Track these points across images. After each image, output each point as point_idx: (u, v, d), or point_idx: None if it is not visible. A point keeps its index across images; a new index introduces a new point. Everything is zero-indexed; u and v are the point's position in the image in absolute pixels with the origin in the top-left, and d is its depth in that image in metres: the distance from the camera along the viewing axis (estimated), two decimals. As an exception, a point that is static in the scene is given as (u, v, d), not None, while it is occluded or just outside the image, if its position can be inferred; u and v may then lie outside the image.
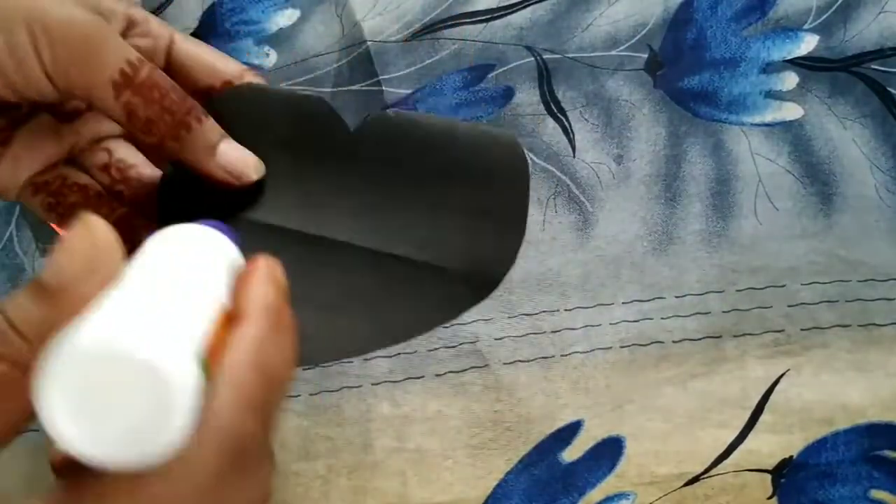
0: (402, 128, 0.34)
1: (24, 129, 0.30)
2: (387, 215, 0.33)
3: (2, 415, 0.19)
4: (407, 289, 0.33)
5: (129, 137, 0.32)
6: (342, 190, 0.33)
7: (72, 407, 0.18)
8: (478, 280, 0.33)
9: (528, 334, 0.42)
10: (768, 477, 0.40)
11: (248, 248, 0.27)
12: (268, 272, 0.23)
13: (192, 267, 0.23)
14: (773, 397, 0.41)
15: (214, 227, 0.25)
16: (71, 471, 0.19)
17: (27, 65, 0.25)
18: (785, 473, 0.40)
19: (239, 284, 0.22)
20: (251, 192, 0.31)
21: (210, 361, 0.20)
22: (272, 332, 0.21)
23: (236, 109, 0.31)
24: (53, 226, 0.32)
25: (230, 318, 0.21)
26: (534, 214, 0.44)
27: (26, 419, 0.19)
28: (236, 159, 0.30)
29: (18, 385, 0.18)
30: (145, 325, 0.19)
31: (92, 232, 0.20)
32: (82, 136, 0.31)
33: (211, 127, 0.29)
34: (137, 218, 0.31)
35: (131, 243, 0.29)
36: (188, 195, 0.31)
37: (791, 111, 0.45)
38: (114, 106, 0.26)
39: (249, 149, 0.31)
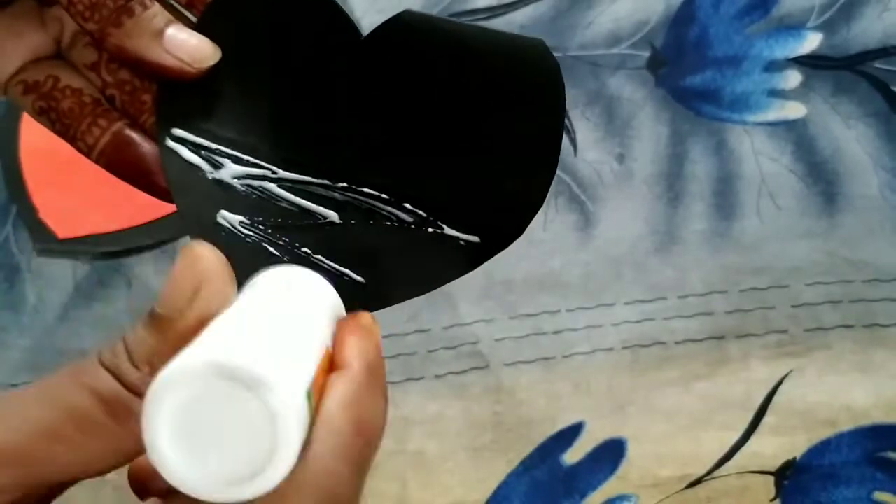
0: (419, 33, 0.29)
1: (7, 14, 0.28)
2: (397, 143, 0.29)
3: (115, 441, 0.18)
4: (412, 238, 0.29)
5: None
6: (346, 109, 0.29)
7: (176, 433, 0.17)
8: (498, 228, 0.29)
9: (529, 335, 0.42)
10: (771, 479, 0.40)
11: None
12: (370, 325, 0.23)
13: (300, 306, 0.22)
14: (776, 398, 0.40)
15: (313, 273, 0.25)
16: (152, 491, 0.19)
17: None
18: (788, 475, 0.40)
19: (342, 333, 0.22)
20: (250, 108, 0.29)
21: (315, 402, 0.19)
22: (371, 388, 0.21)
23: (233, 15, 0.29)
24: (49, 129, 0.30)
25: (331, 364, 0.21)
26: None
27: (140, 449, 0.18)
28: (186, 43, 0.27)
29: (131, 413, 0.18)
30: (258, 349, 0.18)
31: (199, 261, 0.20)
32: (67, 25, 0.29)
33: (156, 12, 0.27)
34: (136, 131, 0.29)
35: (131, 160, 0.28)
36: (189, 109, 0.29)
37: (794, 110, 0.44)
38: None
39: (246, 60, 0.29)
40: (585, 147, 0.45)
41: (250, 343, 0.18)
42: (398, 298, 0.30)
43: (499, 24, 0.47)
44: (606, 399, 0.41)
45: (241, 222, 0.30)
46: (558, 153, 0.29)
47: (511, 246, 0.30)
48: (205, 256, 0.20)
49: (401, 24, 0.29)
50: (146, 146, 0.28)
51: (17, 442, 0.18)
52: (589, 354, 0.42)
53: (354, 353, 0.21)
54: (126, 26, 0.26)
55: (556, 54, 0.47)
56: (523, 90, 0.29)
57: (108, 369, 0.18)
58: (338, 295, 0.24)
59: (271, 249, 0.30)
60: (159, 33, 0.27)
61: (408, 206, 0.29)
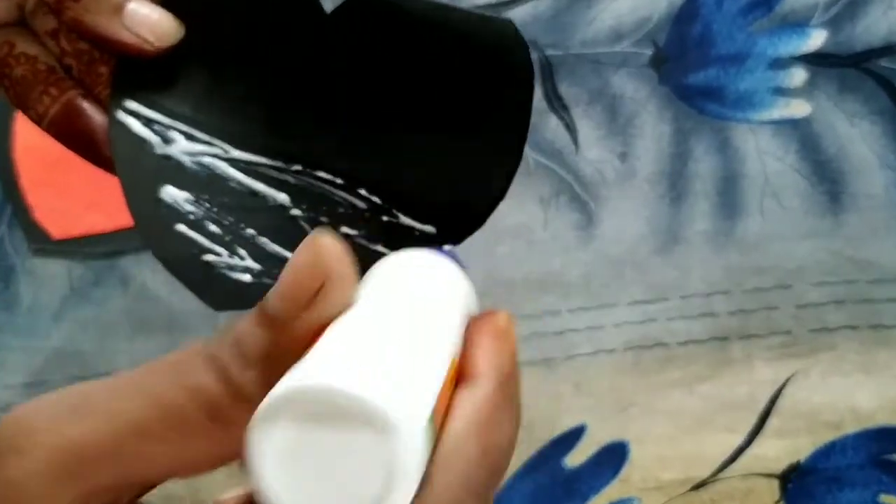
0: (386, 11, 0.28)
1: None
2: (356, 125, 0.28)
3: (214, 444, 0.17)
4: (364, 226, 0.28)
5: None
6: (305, 89, 0.29)
7: (282, 461, 0.16)
8: (456, 218, 0.28)
9: (530, 336, 0.42)
10: (776, 482, 0.40)
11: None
12: (506, 329, 0.20)
13: (429, 308, 0.20)
14: (780, 401, 0.40)
15: (448, 255, 0.22)
16: None
17: None
18: (793, 478, 0.40)
19: (473, 336, 0.20)
20: (207, 85, 0.28)
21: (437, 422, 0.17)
22: (503, 406, 0.19)
23: None
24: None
25: (459, 373, 0.19)
26: (535, 213, 0.43)
27: (237, 454, 0.17)
28: (147, 19, 0.26)
29: (234, 418, 0.17)
30: (379, 371, 0.16)
31: (323, 254, 0.18)
32: None
33: None
34: (88, 101, 0.28)
35: (80, 130, 0.27)
36: (146, 82, 0.28)
37: (799, 108, 0.44)
38: None
39: (207, 37, 0.28)
40: (587, 145, 0.44)
41: (371, 365, 0.16)
42: None
43: (499, 21, 0.47)
44: (608, 400, 0.41)
45: (186, 199, 0.29)
46: (524, 142, 0.28)
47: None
48: (331, 250, 0.18)
49: (365, 1, 0.28)
50: (98, 118, 0.28)
51: (109, 436, 0.16)
52: (591, 355, 0.42)
53: (487, 364, 0.19)
54: (84, 1, 0.25)
55: (557, 52, 0.47)
56: (489, 74, 0.28)
57: (214, 368, 0.17)
58: (469, 284, 0.22)
59: (213, 227, 0.29)
60: (118, 8, 0.26)
61: (363, 192, 0.28)
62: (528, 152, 0.45)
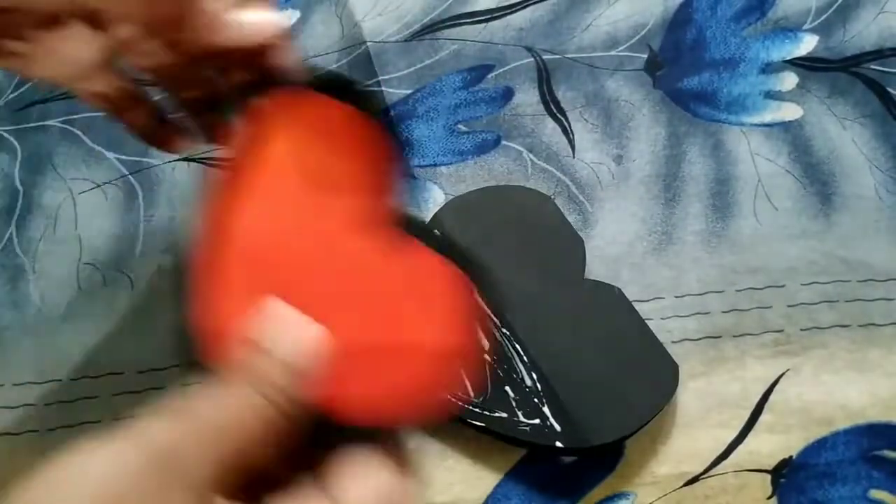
0: (617, 314, 0.40)
1: None
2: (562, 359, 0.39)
3: None
4: (522, 400, 0.38)
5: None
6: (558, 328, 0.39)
7: None
8: (577, 431, 0.38)
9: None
10: (768, 477, 0.40)
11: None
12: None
13: None
14: (772, 397, 0.41)
15: None
16: None
17: None
18: (784, 473, 0.40)
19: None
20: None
21: None
22: None
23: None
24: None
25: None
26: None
27: None
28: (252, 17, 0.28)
29: None
30: None
31: None
32: None
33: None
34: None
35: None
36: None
37: (790, 111, 0.45)
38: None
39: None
40: (583, 148, 0.45)
41: None
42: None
43: (497, 26, 0.47)
44: (604, 398, 0.41)
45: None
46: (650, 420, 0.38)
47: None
48: None
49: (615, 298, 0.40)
50: None
51: None
52: (587, 354, 0.42)
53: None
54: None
55: (553, 56, 0.48)
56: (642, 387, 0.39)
57: None
58: None
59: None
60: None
61: (535, 375, 0.38)
62: (526, 155, 0.45)
